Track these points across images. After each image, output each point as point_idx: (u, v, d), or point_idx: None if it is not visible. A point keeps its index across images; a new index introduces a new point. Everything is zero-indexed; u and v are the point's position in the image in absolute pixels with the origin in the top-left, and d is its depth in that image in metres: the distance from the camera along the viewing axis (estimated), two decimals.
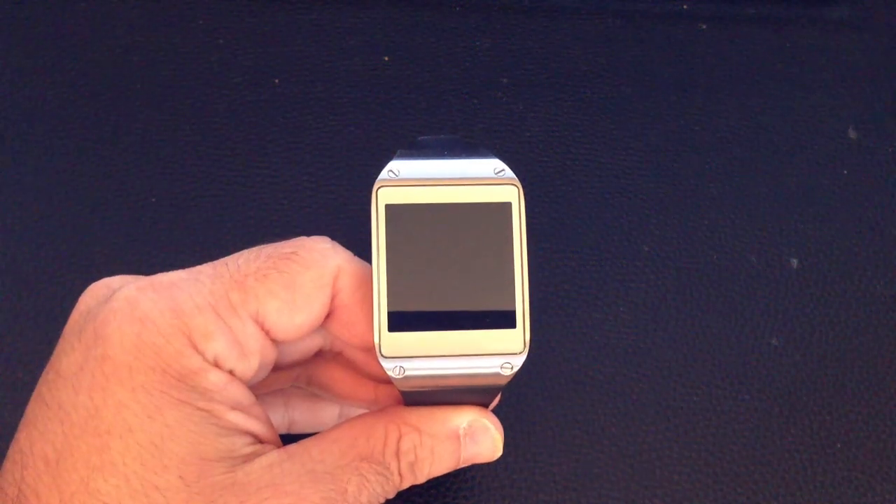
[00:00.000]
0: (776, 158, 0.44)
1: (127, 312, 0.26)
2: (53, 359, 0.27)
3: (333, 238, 0.30)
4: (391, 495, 0.29)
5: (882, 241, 0.43)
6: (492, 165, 0.28)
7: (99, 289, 0.29)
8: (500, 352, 0.27)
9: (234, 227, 0.41)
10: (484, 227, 0.27)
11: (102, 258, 0.40)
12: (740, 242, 0.43)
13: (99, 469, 0.25)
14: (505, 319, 0.27)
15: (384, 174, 0.27)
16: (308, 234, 0.30)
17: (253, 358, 0.28)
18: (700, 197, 0.43)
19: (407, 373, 0.27)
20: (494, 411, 0.31)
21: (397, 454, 0.29)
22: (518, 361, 0.27)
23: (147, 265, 0.40)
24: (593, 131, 0.44)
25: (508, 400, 0.38)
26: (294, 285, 0.28)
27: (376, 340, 0.26)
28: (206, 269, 0.28)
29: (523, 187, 0.27)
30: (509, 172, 0.28)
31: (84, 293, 0.29)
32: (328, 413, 0.35)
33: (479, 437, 0.30)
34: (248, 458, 0.27)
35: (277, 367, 0.31)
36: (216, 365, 0.27)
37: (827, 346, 0.41)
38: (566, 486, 0.38)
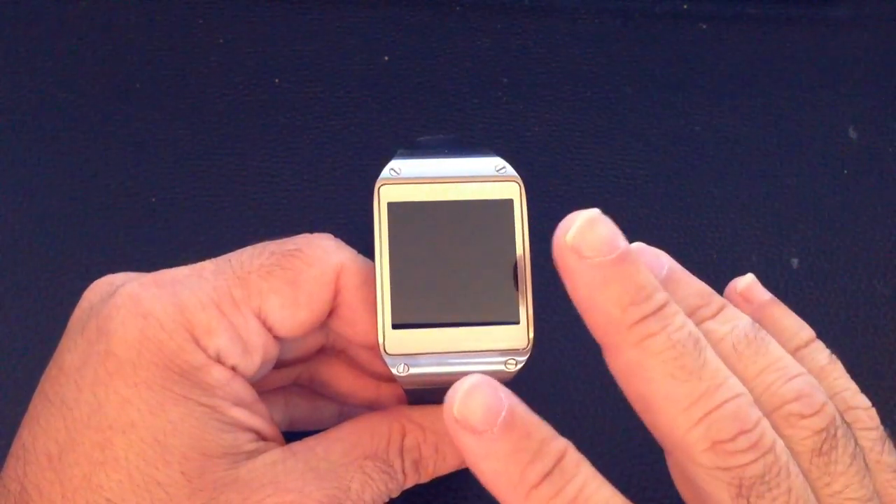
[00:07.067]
0: (776, 158, 0.44)
1: (130, 308, 0.26)
2: (56, 355, 0.27)
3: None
4: (395, 494, 0.29)
5: (882, 241, 0.43)
6: (493, 163, 0.28)
7: (102, 285, 0.29)
8: (505, 348, 0.27)
9: (234, 227, 0.41)
10: (486, 223, 0.27)
11: (102, 258, 0.40)
12: (740, 242, 0.42)
13: (101, 464, 0.25)
14: (509, 315, 0.27)
15: (385, 173, 0.27)
16: (308, 233, 0.30)
17: (255, 354, 0.28)
18: (700, 197, 0.43)
19: (411, 370, 0.27)
20: None
21: (401, 452, 0.29)
22: (522, 357, 0.27)
23: (147, 265, 0.39)
24: (593, 131, 0.44)
25: None
26: (297, 282, 0.28)
27: (380, 338, 0.26)
28: (208, 266, 0.28)
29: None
30: (510, 170, 0.28)
31: (87, 290, 0.29)
32: (329, 412, 0.35)
33: None
34: (251, 455, 0.27)
35: (279, 365, 0.31)
36: (219, 361, 0.27)
37: (827, 345, 0.41)
38: None
